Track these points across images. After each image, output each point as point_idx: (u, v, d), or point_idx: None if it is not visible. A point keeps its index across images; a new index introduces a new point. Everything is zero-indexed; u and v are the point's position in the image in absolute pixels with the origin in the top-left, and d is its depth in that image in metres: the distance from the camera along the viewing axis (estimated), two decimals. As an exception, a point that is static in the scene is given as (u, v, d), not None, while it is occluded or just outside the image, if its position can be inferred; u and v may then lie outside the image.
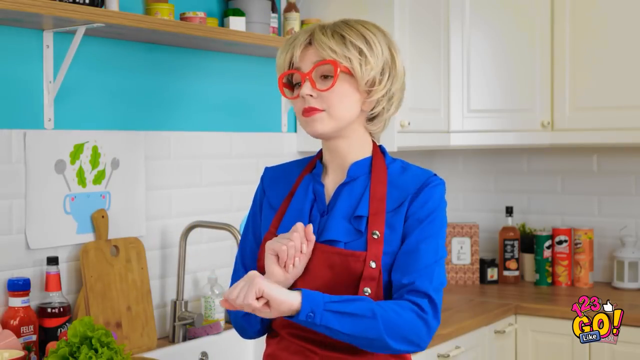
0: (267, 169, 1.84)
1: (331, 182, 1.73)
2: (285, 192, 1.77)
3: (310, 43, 1.65)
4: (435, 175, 1.70)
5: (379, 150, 1.75)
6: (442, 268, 1.65)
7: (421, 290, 1.59)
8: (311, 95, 1.63)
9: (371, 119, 1.71)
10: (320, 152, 1.78)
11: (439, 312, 1.61)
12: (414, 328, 1.57)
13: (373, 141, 1.75)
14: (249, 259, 1.78)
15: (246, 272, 1.77)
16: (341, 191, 1.69)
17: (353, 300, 1.55)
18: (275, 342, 1.73)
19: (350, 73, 1.63)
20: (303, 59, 1.65)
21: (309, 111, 1.64)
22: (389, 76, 1.68)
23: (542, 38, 3.42)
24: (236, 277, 1.80)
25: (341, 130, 1.67)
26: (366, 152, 1.72)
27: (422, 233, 1.64)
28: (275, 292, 1.50)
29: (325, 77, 1.64)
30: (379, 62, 1.65)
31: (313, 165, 1.77)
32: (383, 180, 1.68)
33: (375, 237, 1.63)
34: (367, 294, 1.60)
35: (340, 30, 1.64)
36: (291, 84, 1.71)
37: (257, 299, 1.50)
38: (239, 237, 2.46)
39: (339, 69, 1.62)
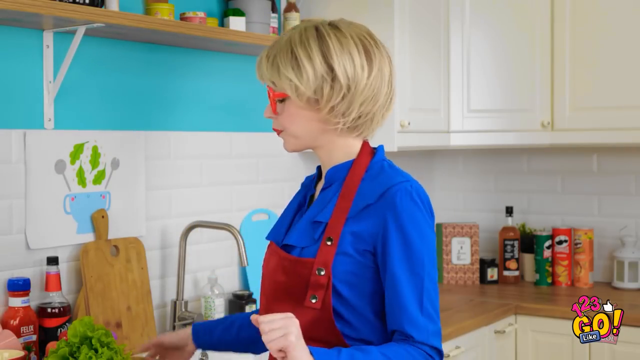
0: (305, 179, 1.85)
1: (319, 187, 1.74)
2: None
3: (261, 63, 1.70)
4: (403, 181, 1.60)
5: (367, 151, 1.68)
6: (434, 301, 1.58)
7: (420, 342, 1.55)
8: (271, 117, 1.69)
9: (344, 128, 1.65)
10: None
11: (442, 353, 1.59)
12: None
13: (366, 143, 1.70)
14: None
15: None
16: (319, 197, 1.69)
17: None
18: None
19: (288, 97, 1.65)
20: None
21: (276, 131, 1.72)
22: (329, 91, 1.60)
23: (542, 38, 3.42)
24: None
25: (310, 144, 1.68)
26: (351, 155, 1.68)
27: (401, 263, 1.56)
28: (298, 356, 1.46)
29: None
30: (310, 85, 1.60)
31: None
32: (354, 185, 1.63)
33: (329, 243, 1.59)
34: (314, 301, 1.57)
35: (277, 58, 1.64)
36: None
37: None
38: (239, 237, 2.46)
39: (274, 97, 1.65)
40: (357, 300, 1.59)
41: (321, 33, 1.63)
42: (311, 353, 1.47)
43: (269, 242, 1.76)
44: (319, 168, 1.78)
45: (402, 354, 1.53)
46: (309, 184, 1.78)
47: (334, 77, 1.61)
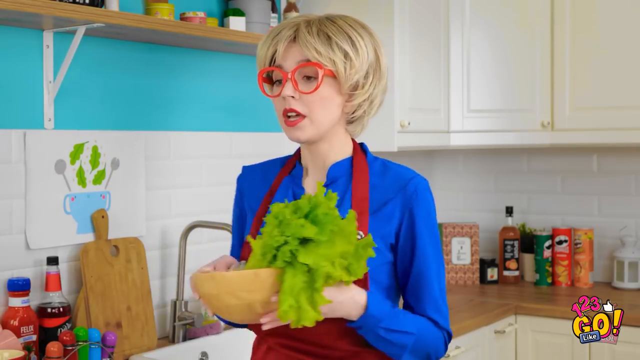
0: (244, 169, 1.80)
1: (311, 184, 1.68)
2: (263, 194, 1.72)
3: (294, 39, 1.59)
4: (417, 175, 1.65)
5: (360, 149, 1.70)
6: (445, 288, 1.67)
7: (444, 327, 1.64)
8: (292, 97, 1.59)
9: (351, 121, 1.67)
10: (297, 152, 1.74)
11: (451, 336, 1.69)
12: (438, 353, 1.64)
13: (353, 139, 1.71)
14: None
15: None
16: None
17: (402, 333, 1.56)
18: (263, 351, 1.68)
19: (333, 76, 1.59)
20: (286, 57, 1.59)
21: (292, 119, 1.60)
22: (372, 79, 1.63)
23: (542, 38, 3.42)
24: None
25: (323, 134, 1.63)
26: (347, 152, 1.68)
27: (427, 250, 1.63)
28: (335, 307, 1.49)
29: (308, 77, 1.59)
30: (364, 66, 1.60)
31: (292, 166, 1.73)
32: (365, 181, 1.64)
33: (359, 238, 1.57)
34: None
35: (326, 30, 1.58)
36: (271, 79, 1.66)
37: None
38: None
39: (323, 73, 1.57)
40: (378, 293, 1.62)
41: (360, 22, 1.64)
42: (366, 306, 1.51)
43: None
44: (299, 163, 1.71)
45: (430, 332, 1.61)
46: (290, 181, 1.70)
47: (378, 64, 1.64)
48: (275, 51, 1.60)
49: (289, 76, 1.58)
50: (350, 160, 1.67)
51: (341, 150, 1.67)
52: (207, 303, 1.47)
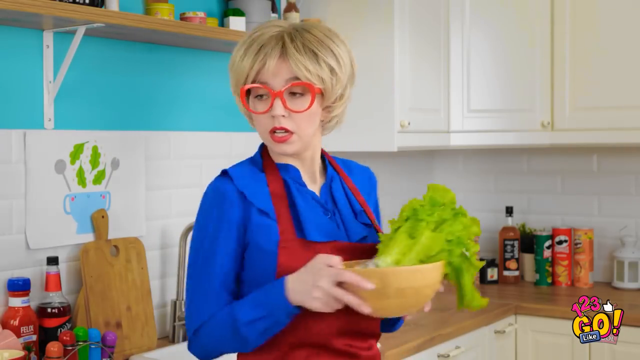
0: (235, 173, 1.69)
1: (310, 184, 1.71)
2: (266, 196, 1.65)
3: (281, 55, 1.58)
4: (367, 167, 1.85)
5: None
6: None
7: None
8: (282, 115, 1.59)
9: (325, 127, 1.72)
10: (263, 152, 1.72)
11: None
12: None
13: None
14: (232, 282, 1.64)
15: (230, 296, 1.63)
16: (331, 191, 1.70)
17: None
18: (309, 355, 1.62)
19: (320, 92, 1.61)
20: (275, 74, 1.58)
21: (280, 135, 1.60)
22: (349, 89, 1.68)
23: (542, 38, 3.42)
24: (207, 305, 1.62)
25: (306, 146, 1.67)
26: (319, 152, 1.75)
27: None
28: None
29: (293, 93, 1.60)
30: (345, 78, 1.63)
31: (274, 167, 1.69)
32: (348, 178, 1.75)
33: (372, 224, 1.74)
34: None
35: (310, 45, 1.58)
36: (248, 92, 1.65)
37: None
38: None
39: (314, 92, 1.59)
40: None
41: (332, 30, 1.65)
42: None
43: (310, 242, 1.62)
44: (290, 166, 1.70)
45: None
46: (295, 182, 1.68)
47: (352, 73, 1.67)
48: (264, 66, 1.58)
49: (280, 95, 1.58)
50: (326, 160, 1.76)
51: (318, 152, 1.73)
52: (392, 298, 1.47)
